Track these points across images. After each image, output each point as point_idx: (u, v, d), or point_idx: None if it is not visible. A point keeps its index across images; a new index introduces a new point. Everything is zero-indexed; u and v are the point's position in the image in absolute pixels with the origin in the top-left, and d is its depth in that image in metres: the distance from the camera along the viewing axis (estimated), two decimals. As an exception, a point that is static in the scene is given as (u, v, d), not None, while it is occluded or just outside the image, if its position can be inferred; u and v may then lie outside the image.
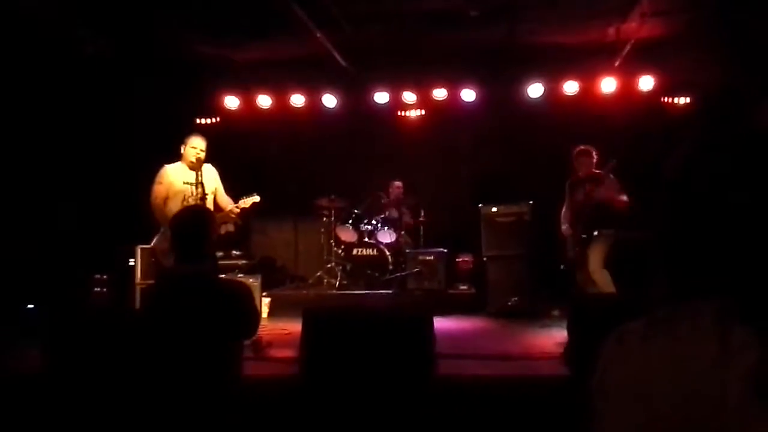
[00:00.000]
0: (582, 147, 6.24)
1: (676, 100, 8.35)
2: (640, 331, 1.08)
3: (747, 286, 1.00)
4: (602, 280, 5.79)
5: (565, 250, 6.41)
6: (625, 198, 5.94)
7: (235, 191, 5.85)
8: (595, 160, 6.19)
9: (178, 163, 5.65)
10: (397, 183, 8.92)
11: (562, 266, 6.49)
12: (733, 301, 0.99)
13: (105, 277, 7.03)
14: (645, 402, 1.01)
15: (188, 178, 5.53)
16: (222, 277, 3.40)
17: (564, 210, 6.41)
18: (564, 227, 6.37)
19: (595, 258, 5.97)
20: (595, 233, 6.06)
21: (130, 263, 6.98)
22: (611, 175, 6.01)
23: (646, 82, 8.12)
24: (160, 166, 5.68)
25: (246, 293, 3.03)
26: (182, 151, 5.63)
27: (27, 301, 6.62)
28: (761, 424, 0.93)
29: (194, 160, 5.50)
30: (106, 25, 6.75)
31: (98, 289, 6.99)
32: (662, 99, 8.33)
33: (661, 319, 1.06)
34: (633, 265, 3.15)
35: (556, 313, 6.62)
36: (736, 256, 1.02)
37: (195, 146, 5.55)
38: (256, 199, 5.76)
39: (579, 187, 6.22)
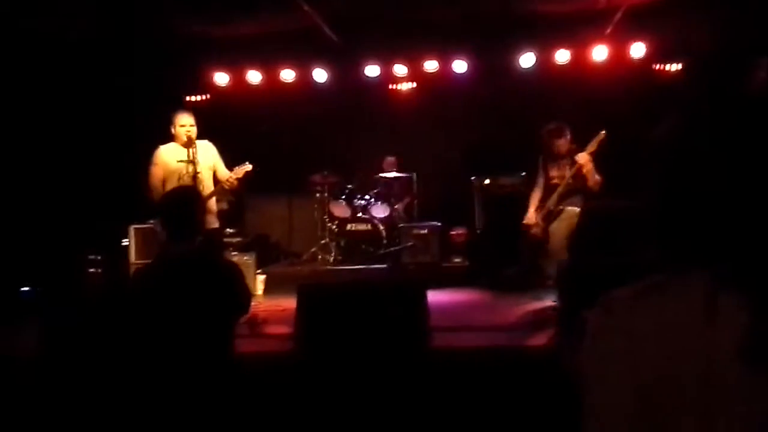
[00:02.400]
0: (556, 125, 5.98)
1: (668, 66, 8.30)
2: (628, 299, 1.07)
3: (739, 252, 1.00)
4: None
5: (527, 230, 6.23)
6: (598, 178, 5.72)
7: (228, 168, 5.83)
8: (569, 137, 5.94)
9: (172, 144, 5.65)
10: (390, 159, 8.89)
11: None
12: (726, 268, 0.99)
13: (99, 257, 7.02)
14: (635, 369, 1.02)
15: (181, 156, 5.53)
16: (211, 256, 3.39)
17: (534, 191, 6.20)
18: (529, 214, 6.15)
19: (557, 237, 5.82)
20: (560, 208, 5.91)
21: (124, 243, 6.99)
22: (586, 153, 5.76)
23: (637, 49, 8.06)
24: (153, 145, 5.69)
25: (234, 271, 3.04)
26: (172, 131, 5.62)
27: (22, 284, 6.63)
28: (749, 388, 0.94)
29: (185, 138, 5.50)
30: (91, 2, 6.65)
31: (93, 269, 6.98)
32: (654, 66, 8.28)
33: (650, 287, 1.06)
34: (602, 233, 3.11)
35: (550, 283, 6.64)
36: (729, 222, 1.01)
37: (183, 124, 5.54)
38: (248, 167, 5.74)
39: (554, 165, 6.01)
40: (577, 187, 5.82)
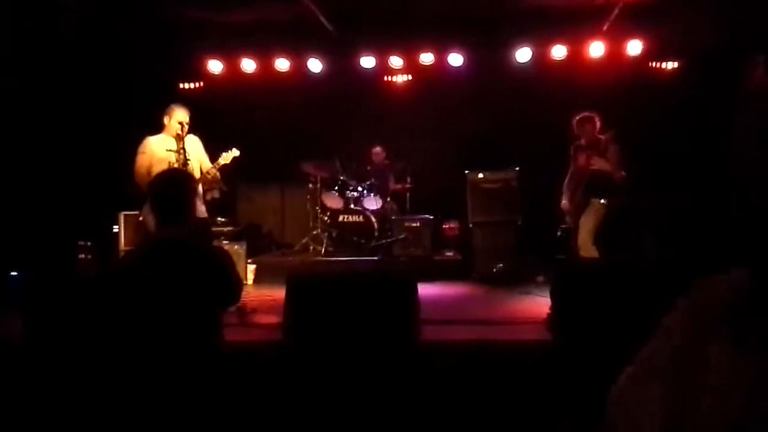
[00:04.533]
0: (584, 114, 6.13)
1: (664, 64, 8.30)
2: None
3: None
4: (590, 255, 5.81)
5: (562, 217, 6.36)
6: (623, 173, 5.85)
7: (218, 157, 5.80)
8: (597, 126, 6.08)
9: (161, 135, 5.62)
10: (377, 149, 8.87)
11: (558, 233, 6.47)
12: None
13: (89, 243, 6.99)
14: None
15: (171, 146, 5.52)
16: (201, 243, 3.34)
17: (568, 178, 6.32)
18: (563, 202, 6.28)
19: (584, 230, 5.94)
20: (587, 199, 6.03)
21: (114, 230, 6.96)
22: (614, 145, 5.92)
23: (634, 47, 8.05)
24: (146, 132, 5.65)
25: (225, 259, 2.99)
26: (165, 123, 5.59)
27: (11, 268, 6.59)
28: None
29: (178, 133, 5.48)
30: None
31: (83, 255, 6.95)
32: (650, 63, 8.27)
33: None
34: (623, 232, 3.14)
35: (540, 279, 6.66)
36: None
37: (180, 120, 5.49)
38: (236, 153, 5.73)
39: (582, 153, 6.14)
40: (602, 178, 5.90)
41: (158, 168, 5.40)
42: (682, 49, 7.95)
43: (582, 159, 6.09)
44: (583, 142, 6.13)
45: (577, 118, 6.14)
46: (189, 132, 5.59)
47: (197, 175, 5.60)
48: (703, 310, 1.02)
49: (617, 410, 1.07)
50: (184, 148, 5.46)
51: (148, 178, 5.31)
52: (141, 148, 5.55)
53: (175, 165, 5.43)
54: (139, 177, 5.49)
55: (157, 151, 5.51)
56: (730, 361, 0.95)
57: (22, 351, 3.60)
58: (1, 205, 6.88)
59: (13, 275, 6.44)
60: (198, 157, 5.68)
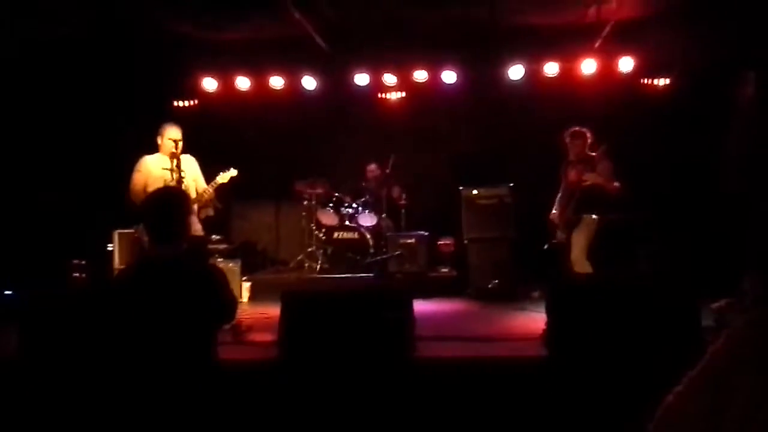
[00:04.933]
0: (574, 129, 6.13)
1: (655, 81, 8.36)
2: None
3: None
4: (584, 271, 5.81)
5: (552, 231, 6.36)
6: (616, 184, 5.85)
7: (214, 175, 5.82)
8: (589, 142, 6.08)
9: (157, 154, 5.68)
10: (372, 166, 8.89)
11: (546, 246, 6.46)
12: None
13: (83, 262, 6.97)
14: None
15: (166, 165, 5.57)
16: (195, 261, 3.34)
17: (560, 194, 6.32)
18: (553, 213, 6.29)
19: (578, 247, 5.94)
20: (579, 216, 6.02)
21: (109, 248, 6.93)
22: (606, 160, 5.92)
23: (625, 64, 8.11)
24: (141, 150, 5.70)
25: (219, 277, 2.98)
26: (159, 142, 5.64)
27: (5, 287, 6.56)
28: None
29: (172, 151, 5.50)
30: (80, 3, 6.62)
31: (77, 274, 6.93)
32: (642, 80, 8.33)
33: None
34: (616, 246, 3.17)
35: (536, 294, 6.67)
36: None
37: (173, 138, 5.54)
38: (234, 173, 5.76)
39: (572, 169, 6.14)
40: (594, 193, 5.88)
41: (154, 186, 5.43)
42: (674, 66, 8.02)
43: (572, 174, 6.10)
44: (572, 157, 6.14)
45: (568, 132, 6.15)
46: (184, 150, 5.63)
47: (193, 194, 5.64)
48: (740, 339, 1.06)
49: (662, 425, 1.10)
50: (179, 166, 5.49)
51: (144, 196, 5.33)
52: (137, 167, 5.62)
53: (171, 183, 5.46)
54: (134, 195, 5.52)
55: (153, 170, 5.55)
56: (755, 384, 0.98)
57: (17, 368, 3.59)
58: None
59: (8, 294, 6.42)
60: (194, 177, 5.73)
